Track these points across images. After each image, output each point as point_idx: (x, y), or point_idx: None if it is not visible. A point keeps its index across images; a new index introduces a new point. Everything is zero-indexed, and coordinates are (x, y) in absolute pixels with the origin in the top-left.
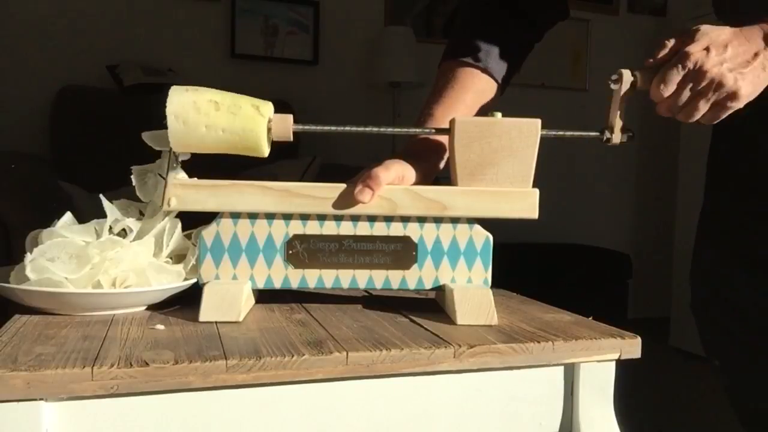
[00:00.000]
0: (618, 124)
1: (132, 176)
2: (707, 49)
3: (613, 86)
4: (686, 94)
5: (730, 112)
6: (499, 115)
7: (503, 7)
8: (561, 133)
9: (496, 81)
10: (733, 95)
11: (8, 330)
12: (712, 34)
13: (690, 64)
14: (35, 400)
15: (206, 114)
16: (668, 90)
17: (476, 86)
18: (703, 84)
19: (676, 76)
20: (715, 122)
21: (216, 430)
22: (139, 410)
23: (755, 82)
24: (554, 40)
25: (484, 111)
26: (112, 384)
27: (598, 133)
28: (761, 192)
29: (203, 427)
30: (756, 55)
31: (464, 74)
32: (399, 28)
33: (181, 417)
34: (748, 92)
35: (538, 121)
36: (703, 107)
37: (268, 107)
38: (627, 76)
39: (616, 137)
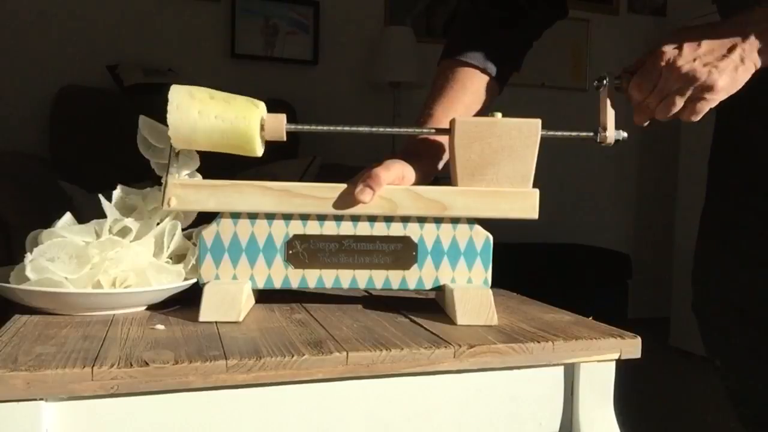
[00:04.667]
0: (610, 124)
1: (115, 191)
2: (680, 47)
3: (597, 88)
4: (662, 91)
5: (710, 105)
6: (499, 115)
7: (502, 7)
8: (555, 133)
9: (495, 80)
10: (709, 88)
11: (8, 330)
12: (686, 31)
13: (662, 62)
14: (35, 400)
15: (200, 100)
16: (644, 88)
17: (475, 86)
18: (677, 79)
19: (650, 74)
20: (698, 118)
21: (216, 430)
22: (139, 410)
23: (733, 75)
24: (554, 40)
25: (483, 110)
26: (112, 384)
27: (592, 134)
28: (762, 191)
29: (203, 427)
30: (732, 47)
31: (463, 74)
32: (399, 28)
33: (181, 417)
34: (725, 84)
35: (539, 121)
36: (679, 102)
37: (260, 103)
38: (610, 78)
39: (610, 137)
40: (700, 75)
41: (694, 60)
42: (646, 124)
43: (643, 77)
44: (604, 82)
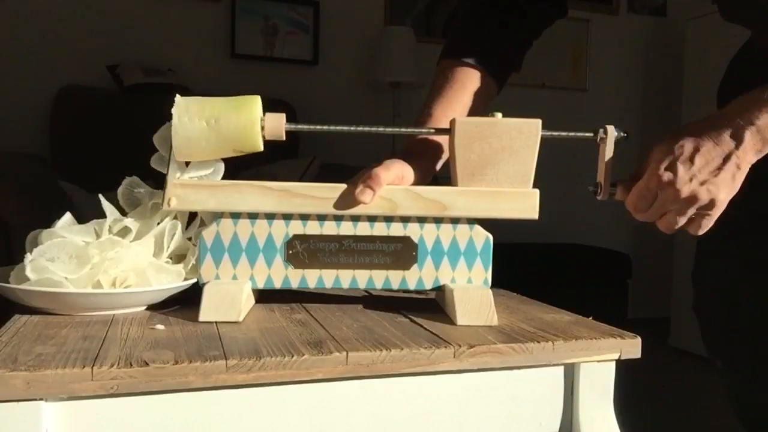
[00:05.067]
0: (606, 181)
1: (125, 180)
2: (674, 166)
3: (593, 194)
4: (661, 209)
5: (714, 219)
6: (499, 115)
7: (501, 6)
8: (555, 133)
9: (495, 80)
10: (710, 205)
11: (8, 330)
12: (677, 145)
13: (658, 183)
14: (35, 400)
15: (200, 132)
16: (640, 207)
17: (475, 85)
18: (675, 201)
19: (646, 195)
20: (703, 232)
21: (216, 430)
22: (139, 410)
23: (731, 185)
24: (554, 40)
25: (483, 110)
26: (112, 384)
27: (592, 134)
28: (762, 191)
29: (203, 427)
30: (726, 158)
31: (462, 74)
32: (399, 28)
33: (181, 417)
34: (725, 196)
35: (539, 121)
36: (681, 220)
37: (256, 105)
38: (605, 185)
39: (603, 195)
40: (700, 195)
41: (691, 180)
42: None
43: (638, 197)
44: (599, 189)
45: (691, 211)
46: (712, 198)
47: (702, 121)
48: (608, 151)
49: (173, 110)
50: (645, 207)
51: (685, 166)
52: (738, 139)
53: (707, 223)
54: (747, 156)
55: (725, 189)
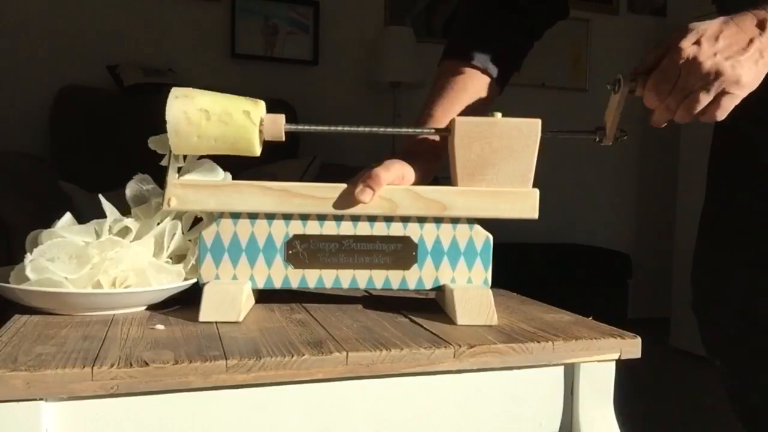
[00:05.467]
0: (612, 127)
1: (135, 176)
2: (698, 42)
3: (612, 91)
4: (684, 90)
5: (736, 101)
6: (499, 115)
7: (502, 6)
8: (555, 133)
9: (496, 80)
10: (734, 82)
11: (8, 330)
12: (701, 27)
13: (681, 59)
14: (35, 400)
15: (197, 125)
16: (663, 89)
17: (475, 86)
18: (700, 76)
19: (669, 73)
20: (724, 116)
21: (216, 430)
22: (139, 410)
23: (754, 69)
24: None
25: (484, 110)
26: (112, 384)
27: (592, 134)
28: (762, 191)
29: (203, 427)
30: (751, 41)
31: (463, 74)
32: (399, 28)
33: (181, 417)
34: (749, 79)
35: (539, 121)
36: (705, 99)
37: (259, 109)
38: (625, 80)
39: (609, 139)
40: (724, 69)
41: (715, 55)
42: (663, 125)
43: (661, 77)
44: (619, 84)
45: (716, 87)
46: (737, 74)
47: (729, 16)
48: (620, 98)
49: (168, 100)
50: (668, 87)
51: (709, 42)
52: (762, 27)
53: (729, 104)
54: None
55: (749, 70)
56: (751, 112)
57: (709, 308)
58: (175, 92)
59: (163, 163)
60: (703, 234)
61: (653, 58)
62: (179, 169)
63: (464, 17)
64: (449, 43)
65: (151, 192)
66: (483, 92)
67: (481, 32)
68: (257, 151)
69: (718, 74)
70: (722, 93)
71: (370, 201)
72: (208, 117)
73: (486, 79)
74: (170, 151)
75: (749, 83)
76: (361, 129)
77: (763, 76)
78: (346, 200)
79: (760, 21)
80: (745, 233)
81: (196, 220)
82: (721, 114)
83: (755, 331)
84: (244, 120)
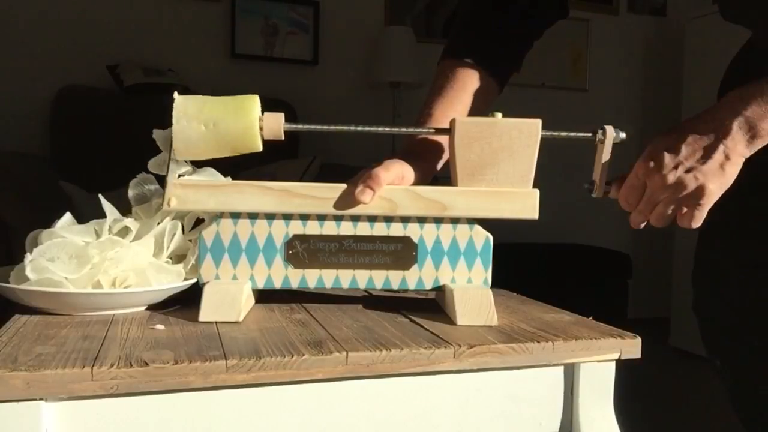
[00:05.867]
0: (601, 179)
1: (140, 174)
2: (659, 156)
3: (588, 191)
4: (651, 202)
5: (705, 210)
6: (499, 115)
7: (502, 6)
8: (555, 133)
9: (496, 80)
10: (698, 194)
11: (8, 330)
12: (665, 137)
13: (645, 173)
14: (35, 400)
15: (199, 134)
16: (631, 201)
17: (475, 86)
18: (662, 189)
19: (635, 186)
20: (698, 224)
21: (216, 430)
22: (139, 410)
23: (718, 174)
24: (554, 40)
25: (483, 110)
26: (112, 384)
27: (591, 134)
28: (762, 191)
29: (203, 427)
30: (713, 148)
31: (463, 74)
32: (399, 28)
33: (181, 417)
34: (713, 187)
35: (539, 121)
36: (671, 212)
37: (255, 104)
38: (600, 183)
39: (598, 192)
40: (687, 182)
41: (677, 167)
42: (642, 226)
43: (629, 188)
44: (594, 187)
45: (681, 199)
46: (699, 185)
47: (695, 116)
48: (606, 151)
49: (173, 112)
50: (635, 199)
51: (670, 154)
52: (724, 130)
53: (699, 215)
54: (737, 147)
55: (713, 178)
56: None
57: (709, 308)
58: (178, 106)
59: (152, 168)
60: (704, 234)
61: (628, 171)
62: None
63: (464, 17)
64: (449, 42)
65: (152, 192)
66: (482, 91)
67: (481, 32)
68: (259, 145)
69: (680, 187)
70: (690, 205)
71: (370, 201)
72: (206, 125)
73: (486, 79)
74: (170, 151)
75: (715, 190)
76: (361, 129)
77: (734, 176)
78: (346, 200)
79: (720, 123)
80: (747, 233)
81: (198, 221)
82: (693, 223)
83: (755, 331)
84: (246, 121)
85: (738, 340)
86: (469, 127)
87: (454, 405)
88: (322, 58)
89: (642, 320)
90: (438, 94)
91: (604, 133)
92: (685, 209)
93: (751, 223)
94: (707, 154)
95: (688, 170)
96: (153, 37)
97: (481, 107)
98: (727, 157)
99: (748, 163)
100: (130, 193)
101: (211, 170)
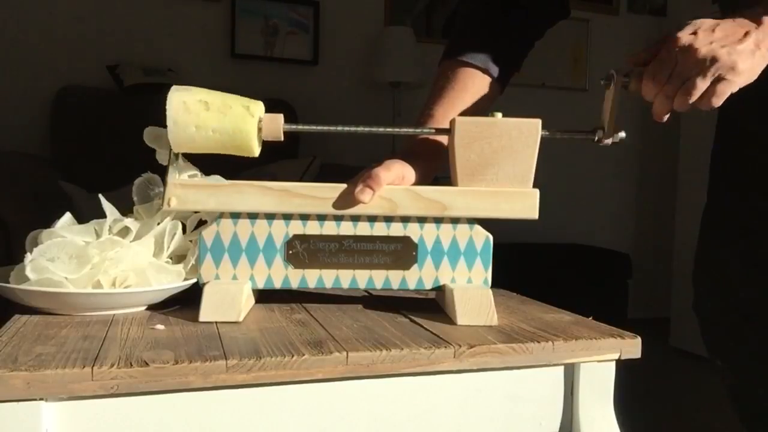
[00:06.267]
0: (611, 124)
1: (145, 174)
2: (695, 33)
3: (606, 87)
4: (681, 76)
5: (732, 88)
6: (499, 115)
7: (503, 6)
8: (555, 133)
9: (496, 80)
10: (730, 68)
11: (8, 330)
12: (698, 20)
13: (678, 47)
14: (35, 400)
15: (196, 114)
16: (660, 77)
17: (476, 86)
18: (696, 62)
19: (666, 61)
20: (720, 102)
21: (216, 430)
22: (139, 410)
23: (750, 58)
24: (554, 40)
25: (484, 110)
26: (112, 384)
27: (591, 134)
28: (764, 191)
29: (203, 427)
30: (747, 34)
31: (464, 74)
32: (399, 28)
33: (181, 417)
34: (745, 66)
35: (539, 121)
36: (701, 85)
37: (258, 107)
38: (618, 75)
39: (607, 136)
40: (720, 55)
41: (711, 43)
42: (665, 118)
43: (658, 65)
44: (613, 79)
45: (712, 72)
46: (733, 60)
47: (726, 15)
48: (615, 95)
49: (167, 103)
50: (665, 75)
51: (705, 32)
52: (759, 21)
53: (726, 90)
54: (766, 39)
55: (745, 59)
56: (757, 111)
57: (709, 308)
58: (176, 86)
59: (161, 160)
60: (705, 234)
61: (649, 53)
62: None
63: (464, 17)
64: (449, 43)
65: (155, 194)
66: (483, 92)
67: (482, 32)
68: (256, 148)
69: (713, 60)
70: (718, 79)
71: (370, 201)
72: (207, 107)
73: (486, 79)
74: (170, 151)
75: (745, 71)
76: (361, 129)
77: (760, 69)
78: (346, 200)
79: (753, 16)
80: (748, 233)
81: (201, 222)
82: (717, 101)
83: (756, 331)
84: (243, 112)
85: (738, 340)
86: (469, 126)
87: (454, 405)
88: (322, 58)
89: (642, 320)
90: (439, 95)
91: (610, 77)
92: (713, 85)
93: (751, 222)
94: (741, 38)
95: (722, 46)
96: (153, 37)
97: (482, 108)
98: (757, 46)
99: (754, 162)
100: (134, 192)
101: (218, 177)
